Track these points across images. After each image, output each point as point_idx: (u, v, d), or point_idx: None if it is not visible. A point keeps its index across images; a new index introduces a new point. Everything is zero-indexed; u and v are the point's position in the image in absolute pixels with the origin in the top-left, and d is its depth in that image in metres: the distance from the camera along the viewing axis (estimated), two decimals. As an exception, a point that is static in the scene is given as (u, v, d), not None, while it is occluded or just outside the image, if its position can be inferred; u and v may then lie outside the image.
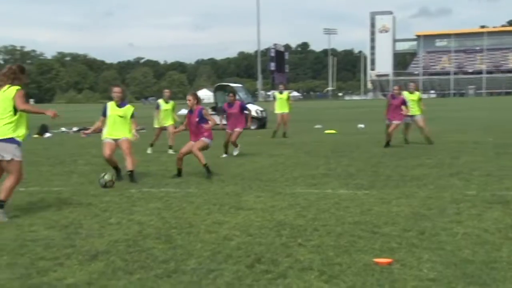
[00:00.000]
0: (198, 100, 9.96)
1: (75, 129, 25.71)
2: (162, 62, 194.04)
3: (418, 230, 5.71)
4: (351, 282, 4.20)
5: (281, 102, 20.36)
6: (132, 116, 9.62)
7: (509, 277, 4.26)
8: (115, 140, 9.50)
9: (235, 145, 13.63)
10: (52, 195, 8.16)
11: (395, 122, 14.84)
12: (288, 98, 20.69)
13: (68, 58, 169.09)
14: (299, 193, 8.04)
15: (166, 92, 15.48)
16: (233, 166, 11.30)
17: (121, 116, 9.51)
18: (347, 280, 4.24)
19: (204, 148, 9.97)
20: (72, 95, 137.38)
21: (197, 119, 9.82)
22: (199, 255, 4.95)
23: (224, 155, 13.28)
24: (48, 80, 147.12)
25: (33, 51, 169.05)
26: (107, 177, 8.74)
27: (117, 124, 9.51)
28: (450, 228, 5.80)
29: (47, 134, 22.76)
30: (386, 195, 7.78)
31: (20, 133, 6.55)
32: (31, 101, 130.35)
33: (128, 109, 9.64)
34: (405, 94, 15.80)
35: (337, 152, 13.74)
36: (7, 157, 6.43)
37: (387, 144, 14.78)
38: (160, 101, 15.30)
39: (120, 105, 9.60)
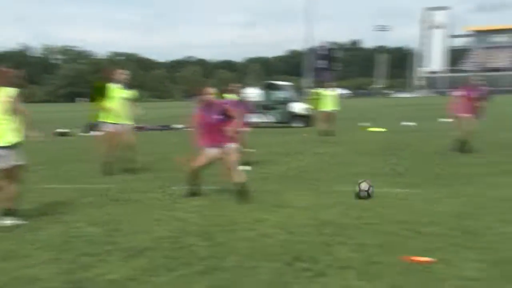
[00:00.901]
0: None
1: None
2: (211, 60, 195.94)
3: (462, 230, 5.57)
4: (391, 281, 4.12)
5: (327, 99, 20.22)
6: None
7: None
8: None
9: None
10: (98, 192, 8.29)
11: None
12: (335, 95, 20.54)
13: (122, 58, 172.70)
14: (344, 191, 7.94)
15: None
16: (278, 165, 11.25)
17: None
18: (387, 279, 4.16)
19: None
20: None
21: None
22: (239, 252, 4.96)
23: None
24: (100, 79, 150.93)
25: (87, 51, 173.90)
26: (362, 186, 7.52)
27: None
28: (495, 228, 5.63)
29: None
30: (433, 194, 7.60)
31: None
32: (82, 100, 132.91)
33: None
34: None
35: (384, 151, 13.50)
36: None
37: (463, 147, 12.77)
38: None
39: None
